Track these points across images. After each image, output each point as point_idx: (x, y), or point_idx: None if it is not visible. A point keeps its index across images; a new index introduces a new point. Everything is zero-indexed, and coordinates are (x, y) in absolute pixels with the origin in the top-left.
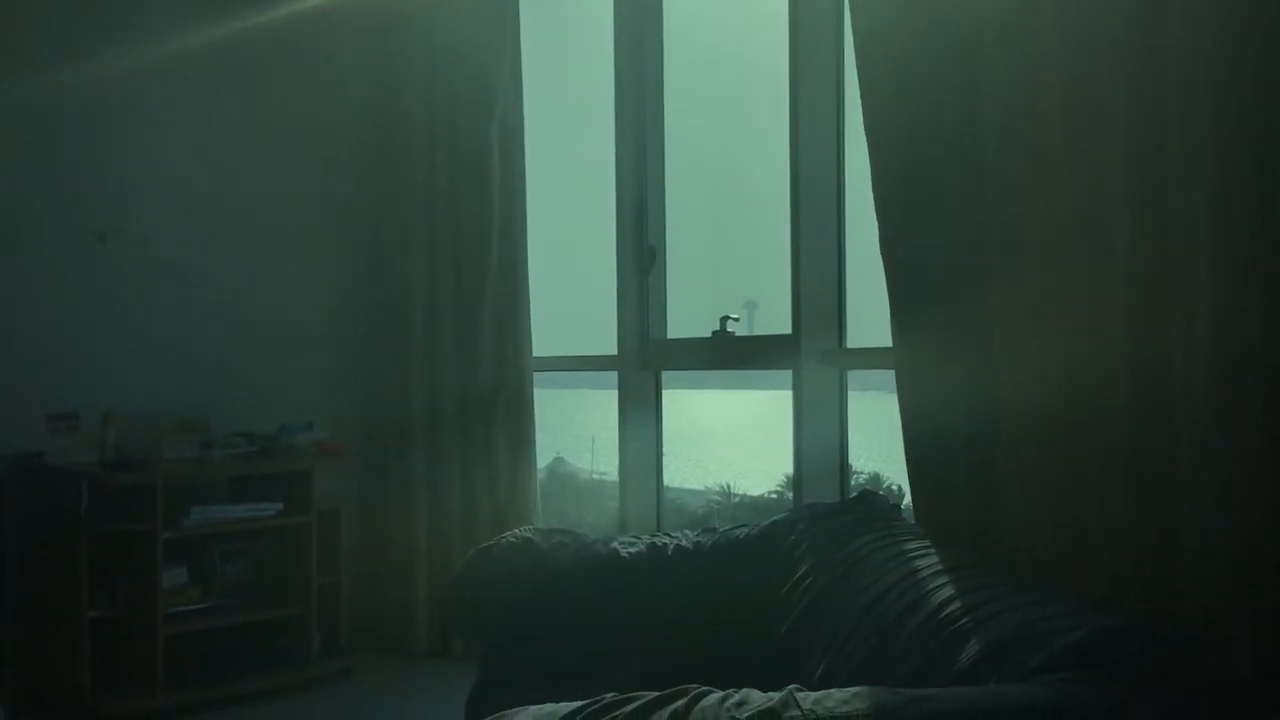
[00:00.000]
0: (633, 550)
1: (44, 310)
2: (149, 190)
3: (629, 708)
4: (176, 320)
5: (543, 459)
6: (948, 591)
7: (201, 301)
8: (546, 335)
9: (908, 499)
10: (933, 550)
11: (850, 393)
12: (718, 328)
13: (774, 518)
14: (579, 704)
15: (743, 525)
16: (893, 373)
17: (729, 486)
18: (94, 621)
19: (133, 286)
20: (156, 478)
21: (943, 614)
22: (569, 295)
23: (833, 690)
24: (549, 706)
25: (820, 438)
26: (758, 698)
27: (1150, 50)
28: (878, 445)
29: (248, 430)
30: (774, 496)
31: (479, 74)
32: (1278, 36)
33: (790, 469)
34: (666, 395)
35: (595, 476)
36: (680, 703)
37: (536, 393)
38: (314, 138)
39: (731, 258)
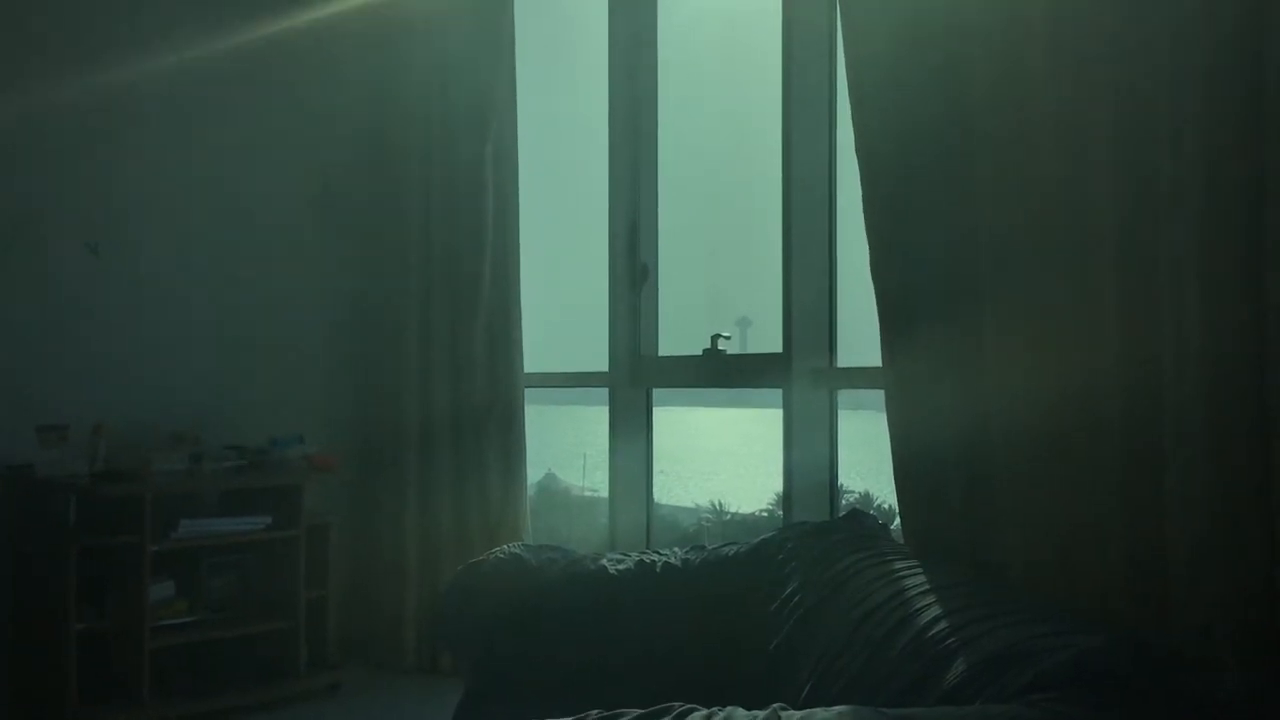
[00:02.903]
0: (621, 567)
1: (36, 321)
2: (143, 202)
3: None
4: (169, 332)
5: (534, 475)
6: (935, 610)
7: (194, 314)
8: (538, 351)
9: (898, 519)
10: (920, 569)
11: (844, 411)
12: (709, 345)
13: (762, 536)
14: None
15: (731, 543)
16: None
17: (720, 504)
18: (81, 634)
19: (126, 298)
20: (146, 490)
21: (930, 633)
22: (561, 312)
23: (817, 710)
24: None
25: (811, 456)
26: (742, 716)
27: (1138, 68)
28: (870, 464)
29: (238, 443)
30: (765, 514)
31: (474, 92)
32: (1265, 54)
33: (781, 487)
34: (658, 412)
35: (586, 493)
36: None
37: (528, 409)
38: (308, 153)
39: (724, 276)
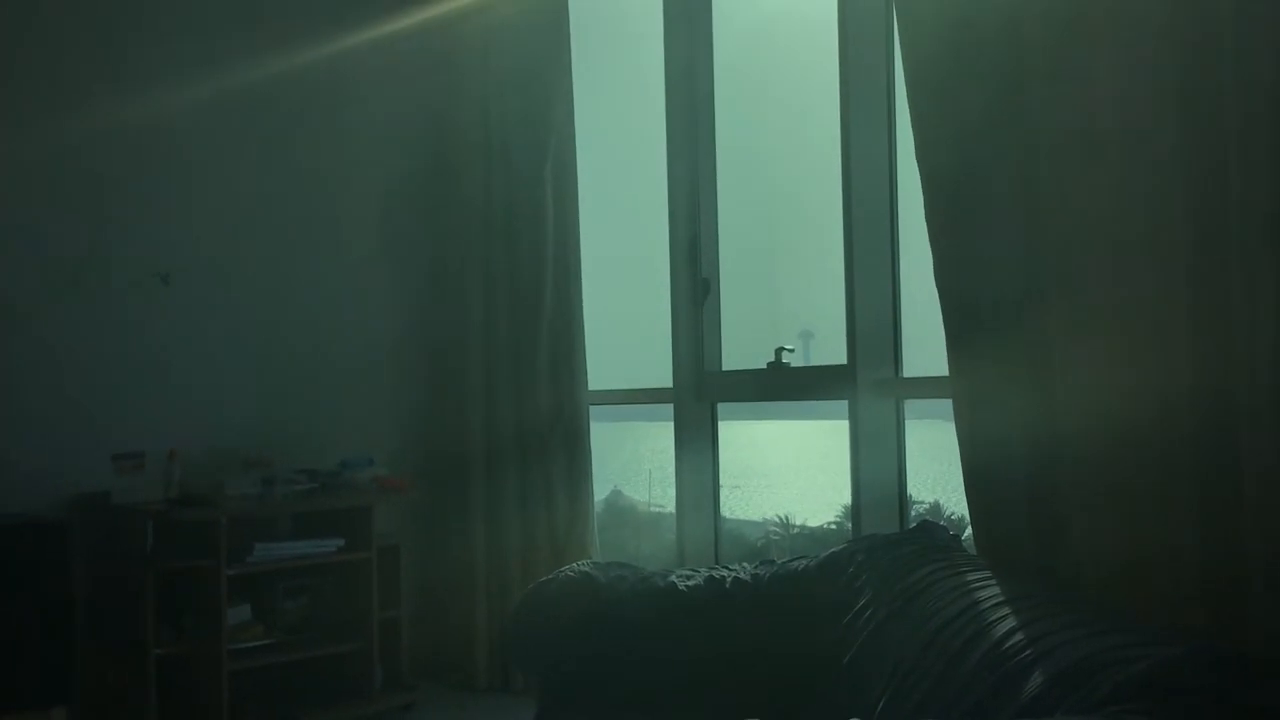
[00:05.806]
0: (691, 583)
1: (110, 351)
2: (211, 229)
3: None
4: (239, 359)
5: (600, 492)
6: (1010, 623)
7: (263, 340)
8: (602, 368)
9: (970, 529)
10: (994, 581)
11: (912, 420)
12: (772, 359)
13: (832, 549)
14: None
15: (801, 557)
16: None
17: (788, 518)
18: (160, 658)
19: (196, 326)
20: (220, 515)
21: (1005, 645)
22: (624, 328)
23: None
24: None
25: (878, 468)
26: None
27: (1205, 73)
28: (939, 474)
29: (309, 466)
30: (833, 527)
31: (533, 110)
32: None
33: (849, 499)
34: (723, 426)
35: (653, 509)
36: None
37: (593, 425)
38: (371, 177)
39: (786, 288)
